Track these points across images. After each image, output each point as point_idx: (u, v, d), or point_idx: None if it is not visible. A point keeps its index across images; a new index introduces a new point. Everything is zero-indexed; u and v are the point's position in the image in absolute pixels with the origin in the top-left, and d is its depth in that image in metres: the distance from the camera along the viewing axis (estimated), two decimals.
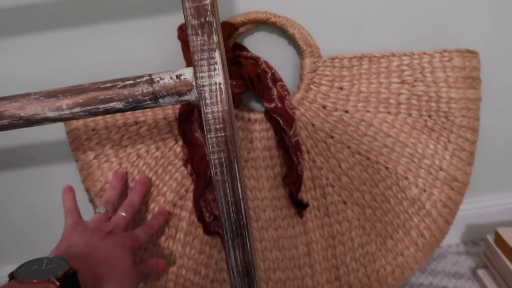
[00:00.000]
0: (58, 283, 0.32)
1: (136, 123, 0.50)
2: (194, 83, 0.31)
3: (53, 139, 0.55)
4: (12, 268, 0.35)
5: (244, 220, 0.33)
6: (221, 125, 0.31)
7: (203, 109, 0.31)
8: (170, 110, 0.49)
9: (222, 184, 0.32)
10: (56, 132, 0.54)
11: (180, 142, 0.50)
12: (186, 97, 0.31)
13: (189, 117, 0.48)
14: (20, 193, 0.58)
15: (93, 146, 0.50)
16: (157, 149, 0.50)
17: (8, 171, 0.57)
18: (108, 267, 0.39)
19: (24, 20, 0.48)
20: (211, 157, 0.31)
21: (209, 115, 0.31)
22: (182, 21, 0.47)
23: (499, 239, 0.52)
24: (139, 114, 0.50)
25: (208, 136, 0.31)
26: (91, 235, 0.41)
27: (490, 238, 0.53)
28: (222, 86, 0.30)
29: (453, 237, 0.61)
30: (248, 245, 0.34)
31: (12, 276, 0.34)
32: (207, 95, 0.30)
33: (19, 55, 0.49)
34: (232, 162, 0.31)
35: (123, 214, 0.45)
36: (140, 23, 0.48)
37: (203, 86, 0.30)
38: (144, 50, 0.49)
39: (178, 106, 0.48)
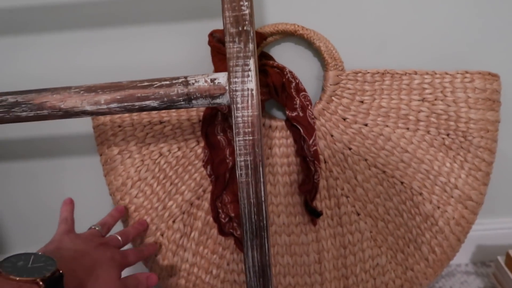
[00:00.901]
0: (42, 285, 0.30)
1: (161, 122, 0.51)
2: (227, 88, 0.32)
3: (72, 133, 0.57)
4: None
5: (264, 222, 0.34)
6: (249, 129, 0.32)
7: (234, 113, 0.32)
8: (194, 112, 0.51)
9: (246, 186, 0.33)
10: (75, 126, 0.56)
11: (202, 144, 0.51)
12: (218, 100, 0.33)
13: (212, 120, 0.50)
14: (36, 185, 0.60)
15: (118, 142, 0.52)
16: (179, 148, 0.52)
17: (25, 162, 0.59)
18: (93, 276, 0.38)
19: (68, 20, 0.50)
20: (238, 159, 0.33)
21: (239, 119, 0.32)
22: (213, 27, 0.49)
23: (510, 262, 0.52)
24: (164, 114, 0.51)
25: (237, 139, 0.33)
26: (83, 242, 0.42)
27: (501, 259, 0.54)
28: (254, 92, 0.32)
29: (462, 257, 0.62)
30: (266, 247, 0.35)
31: None
32: (239, 99, 0.32)
33: (62, 52, 0.52)
34: (258, 165, 0.33)
35: (118, 237, 0.46)
36: (173, 28, 0.50)
37: (236, 91, 0.32)
38: (175, 53, 0.51)
39: (203, 108, 0.50)
